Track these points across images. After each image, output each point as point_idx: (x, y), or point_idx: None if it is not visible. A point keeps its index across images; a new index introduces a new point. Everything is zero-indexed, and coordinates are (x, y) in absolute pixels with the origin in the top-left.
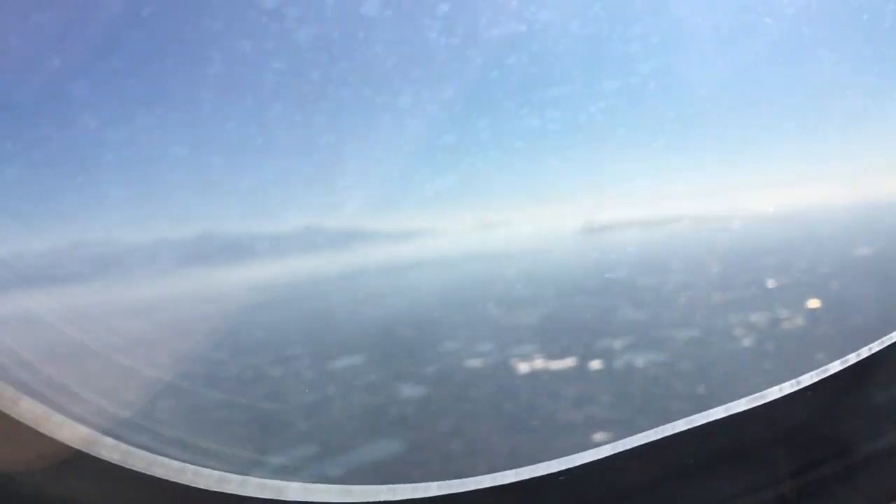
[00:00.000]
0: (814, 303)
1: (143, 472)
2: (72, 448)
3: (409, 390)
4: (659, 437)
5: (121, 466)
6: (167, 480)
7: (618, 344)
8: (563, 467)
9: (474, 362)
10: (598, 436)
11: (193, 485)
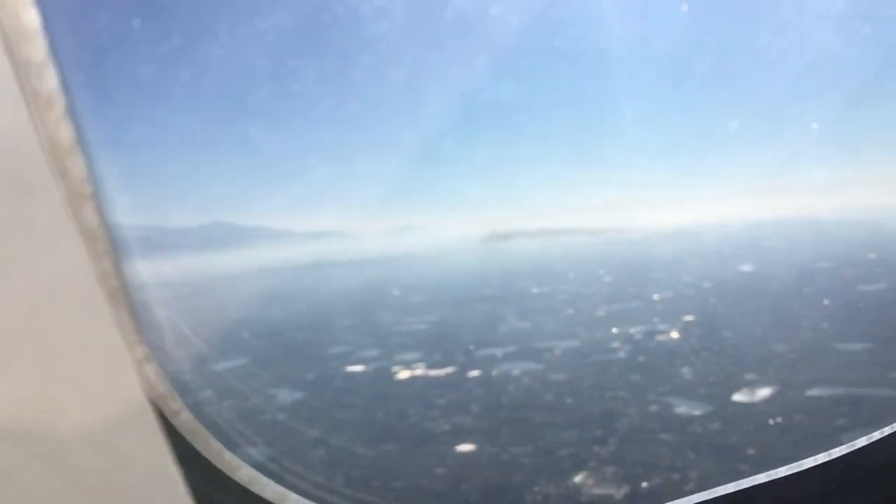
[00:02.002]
0: (689, 317)
1: None
2: None
3: (284, 396)
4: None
5: None
6: None
7: (500, 353)
8: None
9: (356, 368)
10: (460, 447)
11: None
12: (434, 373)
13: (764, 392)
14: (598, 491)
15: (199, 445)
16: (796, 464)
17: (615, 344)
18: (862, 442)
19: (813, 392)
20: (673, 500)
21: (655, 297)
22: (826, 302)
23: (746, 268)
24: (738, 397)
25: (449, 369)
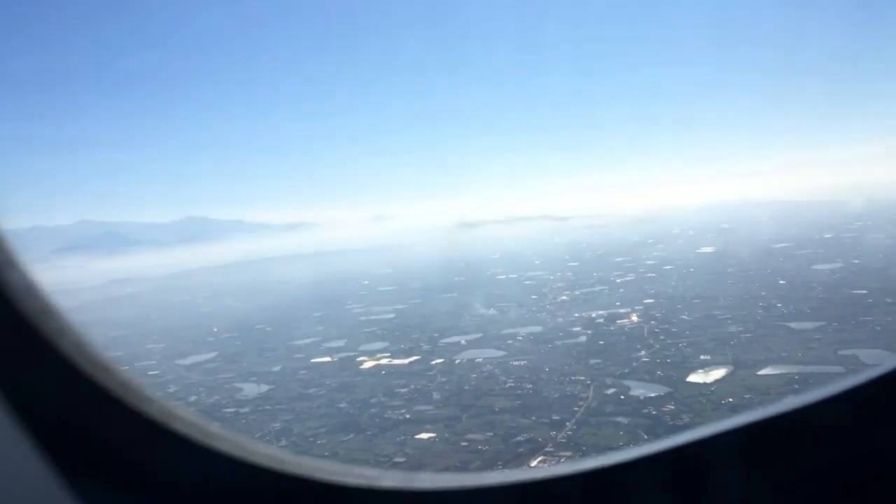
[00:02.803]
0: (649, 300)
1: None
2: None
3: (250, 389)
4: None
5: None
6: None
7: (464, 340)
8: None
9: (322, 359)
10: (420, 435)
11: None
12: (398, 362)
13: (718, 373)
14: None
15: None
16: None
17: (577, 328)
18: (780, 408)
19: (764, 371)
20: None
21: (618, 280)
22: (782, 282)
23: (707, 249)
24: (692, 378)
25: (413, 358)
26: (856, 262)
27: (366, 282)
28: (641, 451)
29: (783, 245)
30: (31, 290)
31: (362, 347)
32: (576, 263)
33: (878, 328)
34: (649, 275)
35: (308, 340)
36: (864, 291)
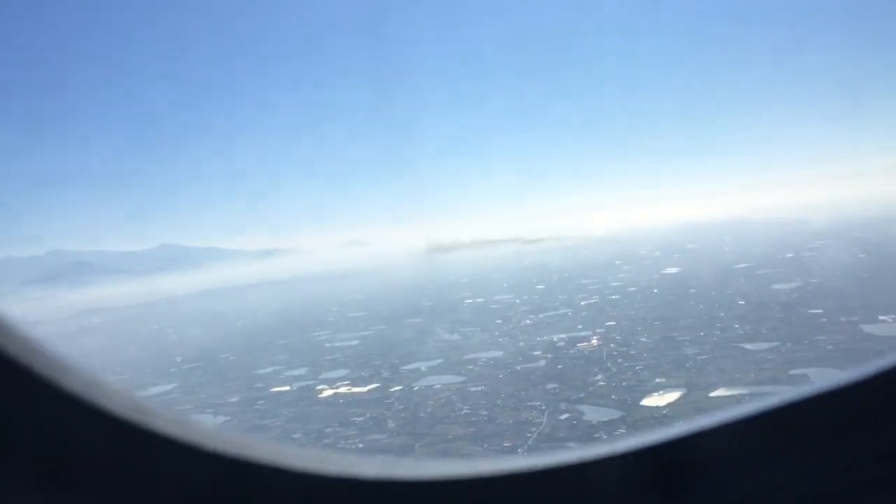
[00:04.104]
0: (610, 323)
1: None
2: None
3: (207, 420)
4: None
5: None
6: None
7: (425, 367)
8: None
9: (281, 389)
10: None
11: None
12: (357, 390)
13: (671, 396)
14: None
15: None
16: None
17: (537, 352)
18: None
19: (717, 393)
20: None
21: (583, 303)
22: (741, 302)
23: (672, 270)
24: (646, 402)
25: (372, 385)
26: (814, 281)
27: (335, 308)
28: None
29: (745, 265)
30: None
31: (323, 375)
32: (542, 286)
33: (830, 347)
34: (613, 297)
35: (270, 369)
36: (820, 311)
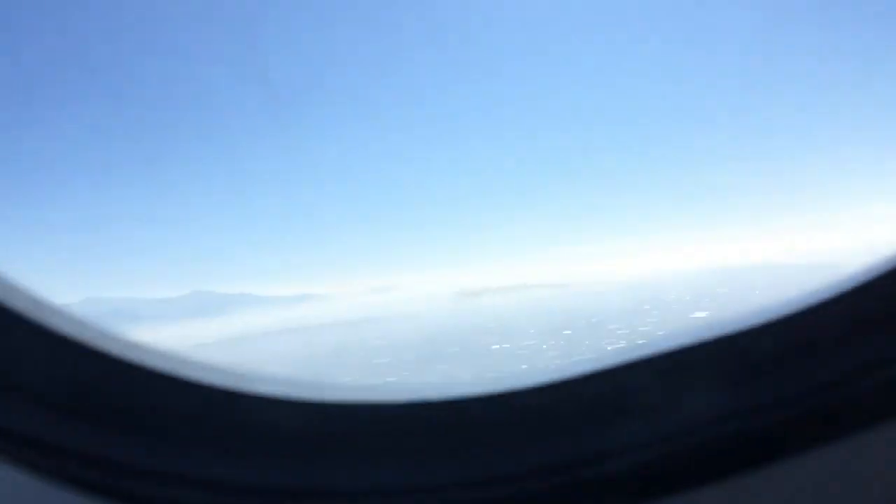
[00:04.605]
0: None
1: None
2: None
3: None
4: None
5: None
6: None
7: None
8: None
9: None
10: None
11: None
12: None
13: None
14: None
15: None
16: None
17: None
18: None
19: None
20: None
21: (609, 349)
22: None
23: (701, 314)
24: None
25: None
26: None
27: (361, 353)
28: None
29: None
30: None
31: None
32: (569, 331)
33: None
34: (640, 342)
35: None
36: None
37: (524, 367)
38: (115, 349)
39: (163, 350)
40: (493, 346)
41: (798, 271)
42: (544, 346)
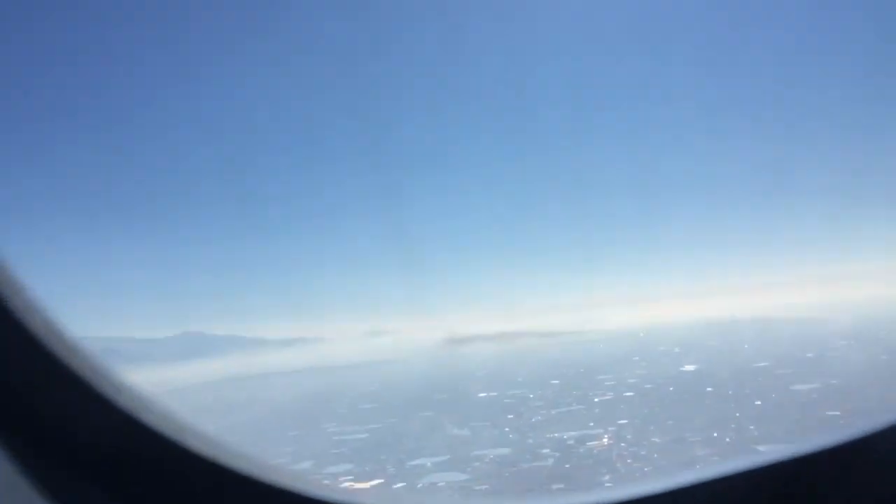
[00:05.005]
0: (623, 421)
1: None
2: None
3: None
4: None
5: None
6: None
7: (430, 462)
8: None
9: None
10: None
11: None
12: (360, 485)
13: None
14: None
15: None
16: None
17: (545, 450)
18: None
19: None
20: None
21: (596, 399)
22: (757, 403)
23: (690, 367)
24: None
25: (376, 481)
26: (834, 382)
27: (348, 399)
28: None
29: (765, 364)
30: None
31: (328, 469)
32: (557, 381)
33: None
34: (628, 394)
35: (275, 462)
36: (837, 412)
37: (510, 416)
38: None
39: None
40: (481, 395)
41: (787, 325)
42: (531, 396)
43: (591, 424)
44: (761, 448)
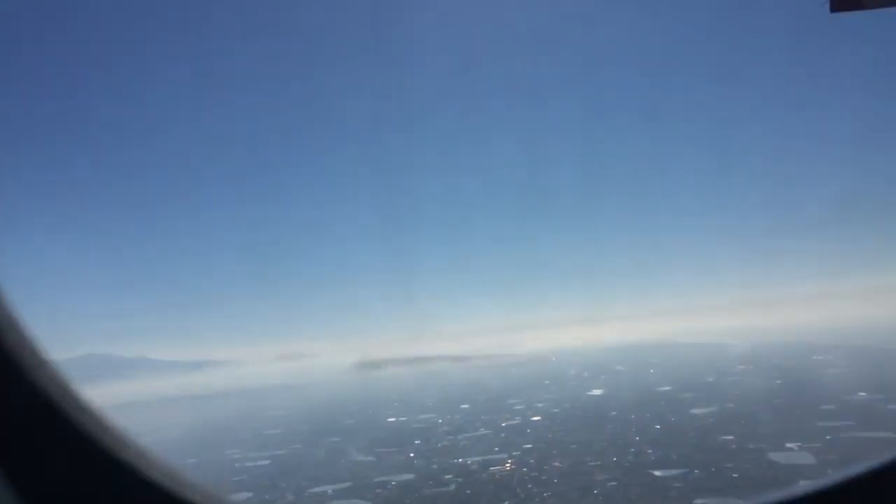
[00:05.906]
0: (527, 446)
1: None
2: None
3: None
4: None
5: None
6: None
7: (331, 490)
8: None
9: None
10: None
11: None
12: None
13: None
14: None
15: None
16: None
17: (448, 476)
18: None
19: None
20: None
21: (503, 424)
22: (657, 426)
23: (596, 392)
24: None
25: None
26: (730, 406)
27: (255, 424)
28: None
29: (668, 388)
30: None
31: (226, 498)
32: (467, 405)
33: (736, 475)
34: (535, 418)
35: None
36: (731, 437)
37: (417, 441)
38: None
39: None
40: (390, 419)
41: (691, 350)
42: (440, 421)
43: (496, 449)
44: (657, 473)
